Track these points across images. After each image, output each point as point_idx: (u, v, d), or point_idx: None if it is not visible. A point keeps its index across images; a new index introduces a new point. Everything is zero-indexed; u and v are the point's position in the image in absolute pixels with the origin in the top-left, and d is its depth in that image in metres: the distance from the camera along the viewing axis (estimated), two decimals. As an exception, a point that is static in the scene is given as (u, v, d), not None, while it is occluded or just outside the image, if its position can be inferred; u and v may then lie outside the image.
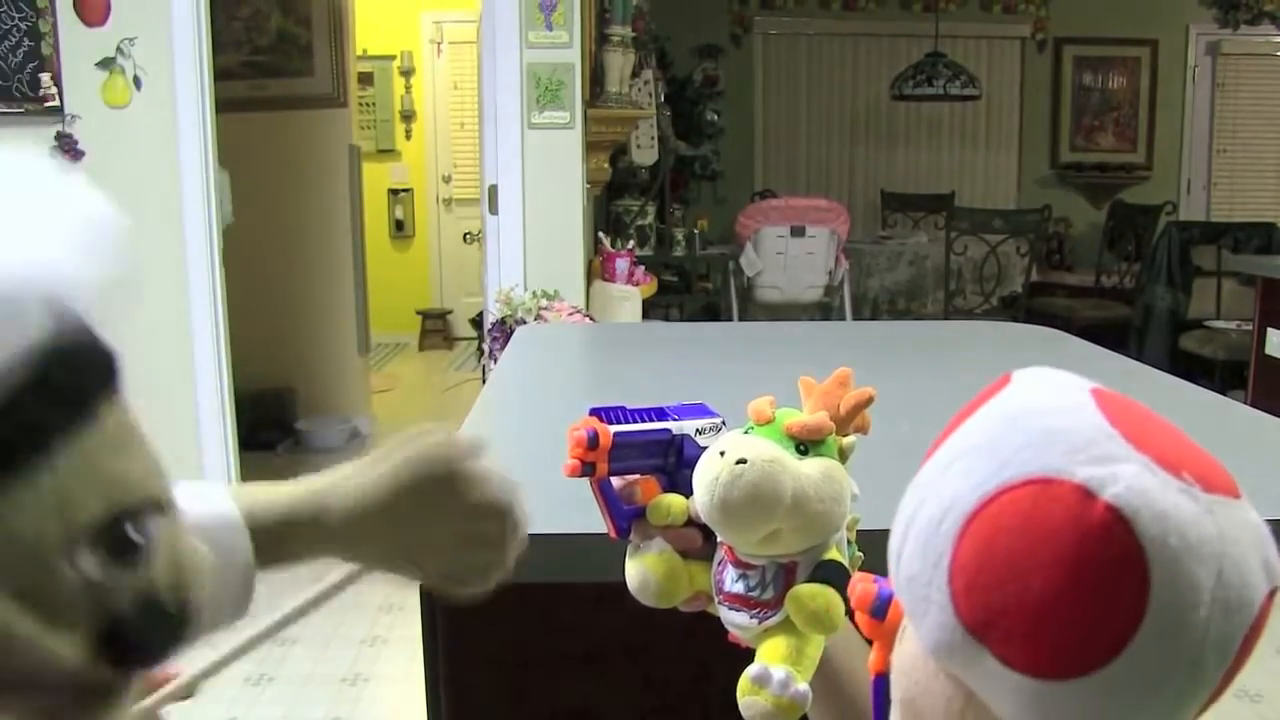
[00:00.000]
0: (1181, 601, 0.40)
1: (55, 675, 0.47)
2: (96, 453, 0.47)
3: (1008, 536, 0.42)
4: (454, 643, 1.05)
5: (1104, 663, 0.40)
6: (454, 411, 4.98)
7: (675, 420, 0.71)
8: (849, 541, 0.68)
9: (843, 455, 0.66)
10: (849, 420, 0.67)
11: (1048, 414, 0.45)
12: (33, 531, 0.44)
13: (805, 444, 0.64)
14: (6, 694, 0.46)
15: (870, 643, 0.56)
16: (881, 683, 0.53)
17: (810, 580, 0.64)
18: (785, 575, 0.65)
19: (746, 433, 0.65)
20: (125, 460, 0.48)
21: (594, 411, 0.69)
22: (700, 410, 0.73)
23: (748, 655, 0.66)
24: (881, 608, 0.53)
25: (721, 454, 0.63)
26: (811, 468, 0.63)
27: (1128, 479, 0.41)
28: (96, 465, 0.47)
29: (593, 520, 0.73)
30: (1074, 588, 0.40)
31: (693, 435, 0.71)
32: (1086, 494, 0.41)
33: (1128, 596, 0.40)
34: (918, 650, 0.47)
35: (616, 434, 0.68)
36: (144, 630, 0.49)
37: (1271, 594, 0.43)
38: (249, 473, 3.61)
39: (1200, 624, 0.40)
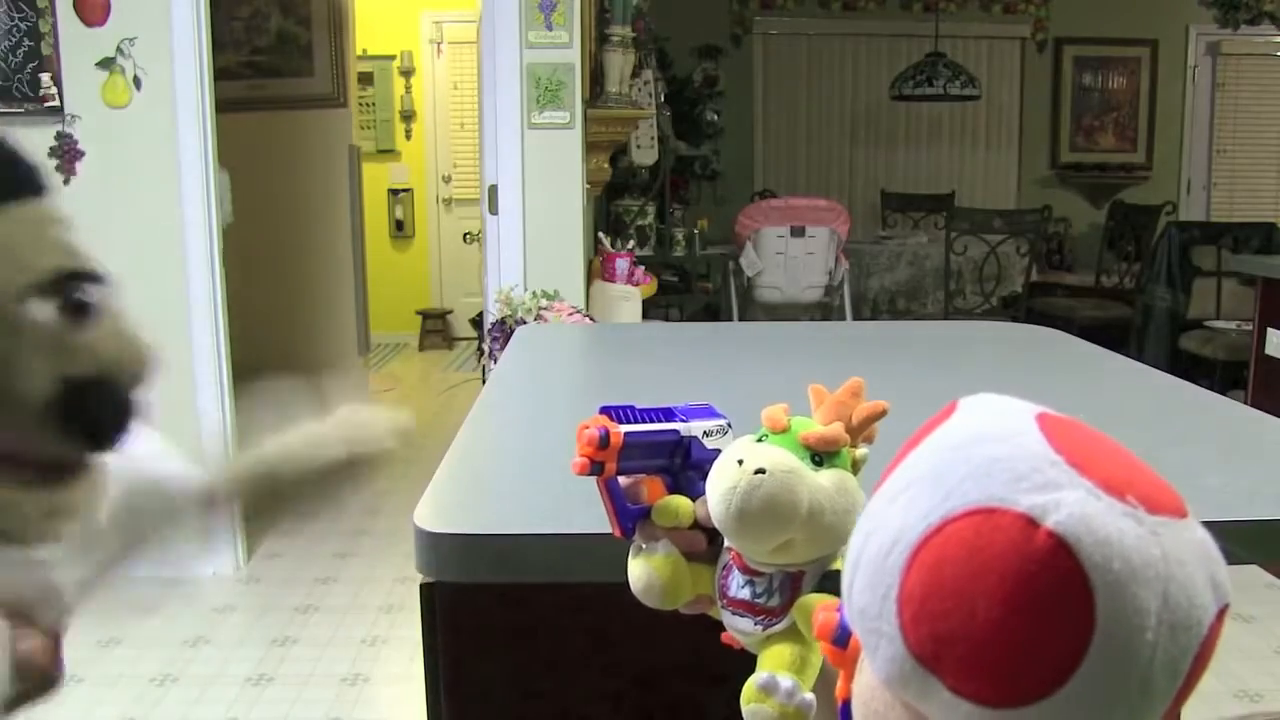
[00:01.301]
0: (1127, 626, 0.40)
1: (31, 427, 0.55)
2: (35, 224, 0.56)
3: (953, 567, 0.42)
4: (454, 643, 1.05)
5: (1052, 689, 0.41)
6: (454, 411, 4.98)
7: (683, 421, 0.71)
8: None
9: (855, 467, 0.66)
10: (860, 431, 0.67)
11: (991, 443, 0.45)
12: None
13: (820, 455, 0.64)
14: None
15: None
16: (847, 709, 0.53)
17: (817, 590, 0.64)
18: (792, 584, 0.65)
19: (760, 440, 0.65)
20: (69, 237, 0.57)
21: (604, 410, 0.69)
22: (707, 412, 0.73)
23: (748, 658, 0.66)
24: (843, 636, 0.54)
25: (739, 462, 0.62)
26: (826, 479, 0.63)
27: (1070, 506, 0.41)
28: (38, 232, 0.56)
29: (594, 520, 0.73)
30: (1019, 616, 0.41)
31: (700, 437, 0.71)
32: (1029, 522, 0.41)
33: (1073, 623, 0.40)
34: (874, 680, 0.48)
35: (627, 434, 0.68)
36: (98, 398, 0.57)
37: (1222, 612, 0.43)
38: (249, 473, 3.61)
39: (1148, 646, 0.41)
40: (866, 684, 0.49)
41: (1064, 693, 0.41)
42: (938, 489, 0.44)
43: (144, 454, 0.70)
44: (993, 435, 0.45)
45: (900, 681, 0.45)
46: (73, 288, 0.56)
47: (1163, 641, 0.41)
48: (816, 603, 0.62)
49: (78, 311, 0.56)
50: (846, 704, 0.53)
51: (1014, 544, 0.41)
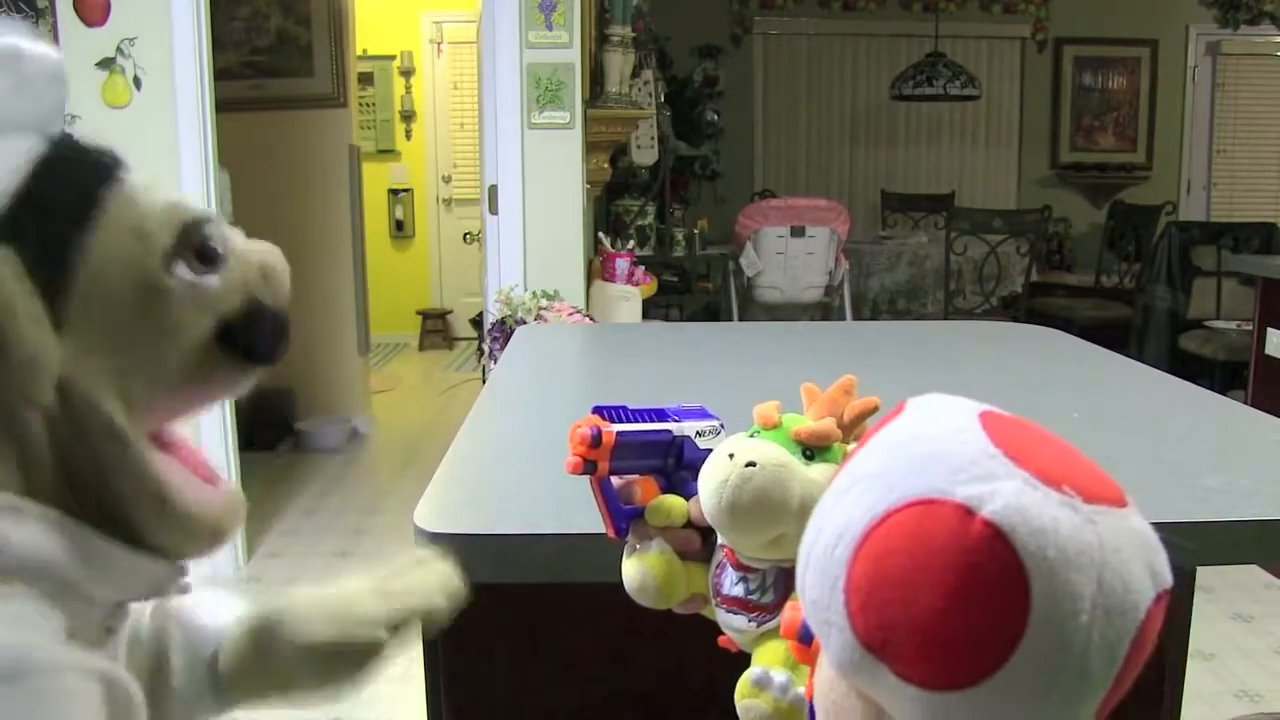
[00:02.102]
0: (1061, 610, 0.42)
1: (201, 373, 0.61)
2: (141, 197, 0.60)
3: (895, 557, 0.44)
4: (454, 643, 1.05)
5: (992, 671, 0.42)
6: (454, 411, 4.98)
7: (676, 422, 0.71)
8: None
9: None
10: (852, 428, 0.67)
11: (933, 439, 0.47)
12: (130, 255, 0.58)
13: (812, 450, 0.64)
14: (160, 377, 0.60)
15: None
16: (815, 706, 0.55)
17: None
18: (786, 579, 0.65)
19: (752, 436, 0.65)
20: (165, 195, 0.61)
21: (596, 410, 0.69)
22: (700, 413, 0.73)
23: (741, 659, 0.66)
24: (808, 634, 0.55)
25: (730, 456, 0.63)
26: (818, 473, 0.63)
27: (1006, 496, 0.43)
28: (147, 202, 0.60)
29: (591, 520, 0.73)
30: (958, 602, 0.42)
31: (693, 438, 0.71)
32: (966, 512, 0.43)
33: (1009, 607, 0.42)
34: (831, 672, 0.50)
35: (619, 433, 0.68)
36: (253, 319, 0.63)
37: (1159, 597, 0.45)
38: (249, 472, 3.61)
39: (1083, 630, 0.42)
40: (825, 676, 0.51)
41: (1002, 674, 0.42)
42: (882, 484, 0.46)
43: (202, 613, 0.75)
44: (935, 433, 0.47)
45: (852, 669, 0.47)
46: (196, 237, 0.61)
47: (1098, 625, 0.42)
48: None
49: (208, 256, 0.61)
50: (813, 701, 0.55)
51: (952, 533, 0.43)
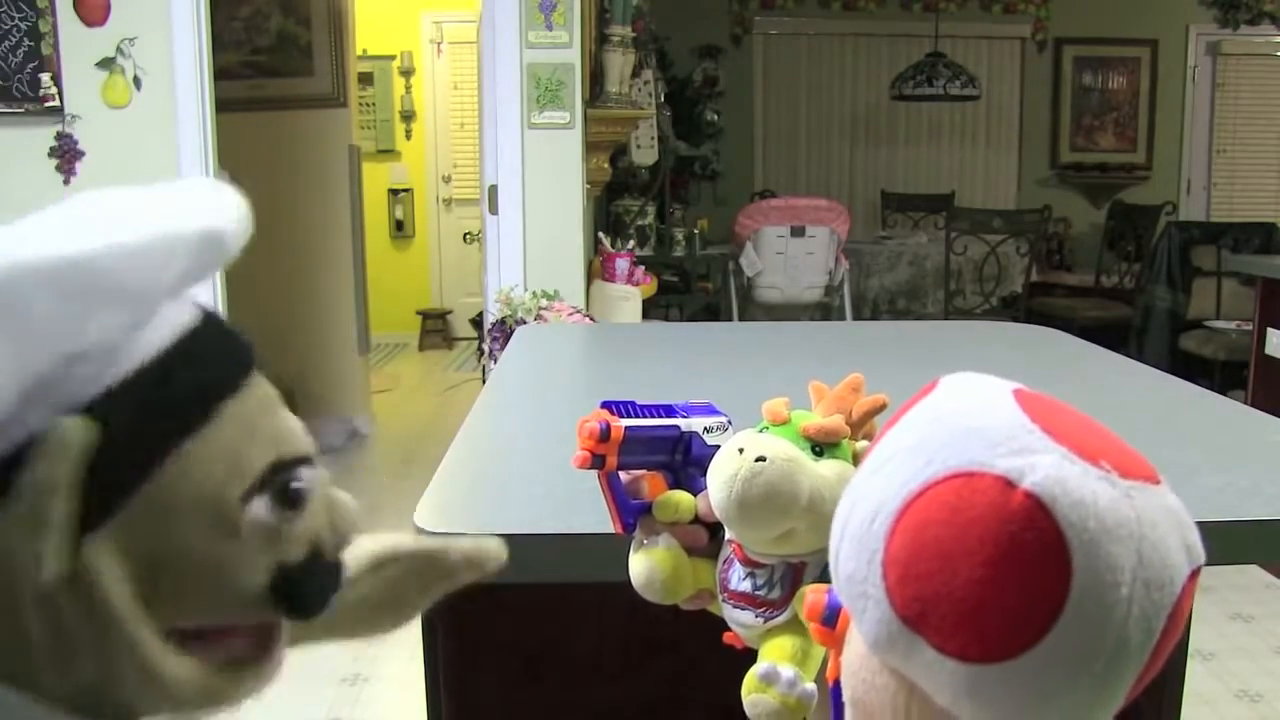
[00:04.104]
0: (1102, 581, 0.42)
1: (242, 613, 0.55)
2: (252, 414, 0.54)
3: (935, 529, 0.44)
4: (454, 643, 1.05)
5: (1032, 643, 0.42)
6: (454, 411, 4.98)
7: (684, 417, 0.71)
8: None
9: (855, 459, 0.66)
10: (860, 426, 0.67)
11: (969, 414, 0.47)
12: (213, 480, 0.52)
13: (821, 446, 0.64)
14: (200, 634, 0.54)
15: None
16: (838, 689, 0.54)
17: (819, 581, 0.64)
18: (793, 575, 0.65)
19: (761, 432, 0.65)
20: (276, 420, 0.56)
21: (604, 405, 0.69)
22: (707, 409, 0.73)
23: (747, 655, 0.66)
24: (832, 616, 0.55)
25: (740, 451, 0.63)
26: (827, 469, 0.64)
27: (1045, 468, 0.43)
28: (255, 424, 0.54)
29: (594, 519, 0.73)
30: (999, 573, 0.42)
31: (700, 433, 0.71)
32: (1007, 484, 0.43)
33: (1050, 579, 0.42)
34: (862, 649, 0.49)
35: (627, 428, 0.68)
36: (310, 576, 0.56)
37: (1193, 574, 0.45)
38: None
39: (1123, 602, 0.42)
40: (855, 653, 0.50)
41: (1042, 646, 0.42)
42: (919, 457, 0.46)
43: None
44: (971, 408, 0.47)
45: (887, 643, 0.46)
46: (286, 477, 0.55)
47: (1137, 597, 0.43)
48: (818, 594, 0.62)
49: (291, 501, 0.55)
50: (836, 685, 0.54)
51: (993, 505, 0.43)
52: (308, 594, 0.57)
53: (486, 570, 0.73)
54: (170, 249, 0.51)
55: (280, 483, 0.54)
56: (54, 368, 0.48)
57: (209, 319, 0.54)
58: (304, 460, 0.56)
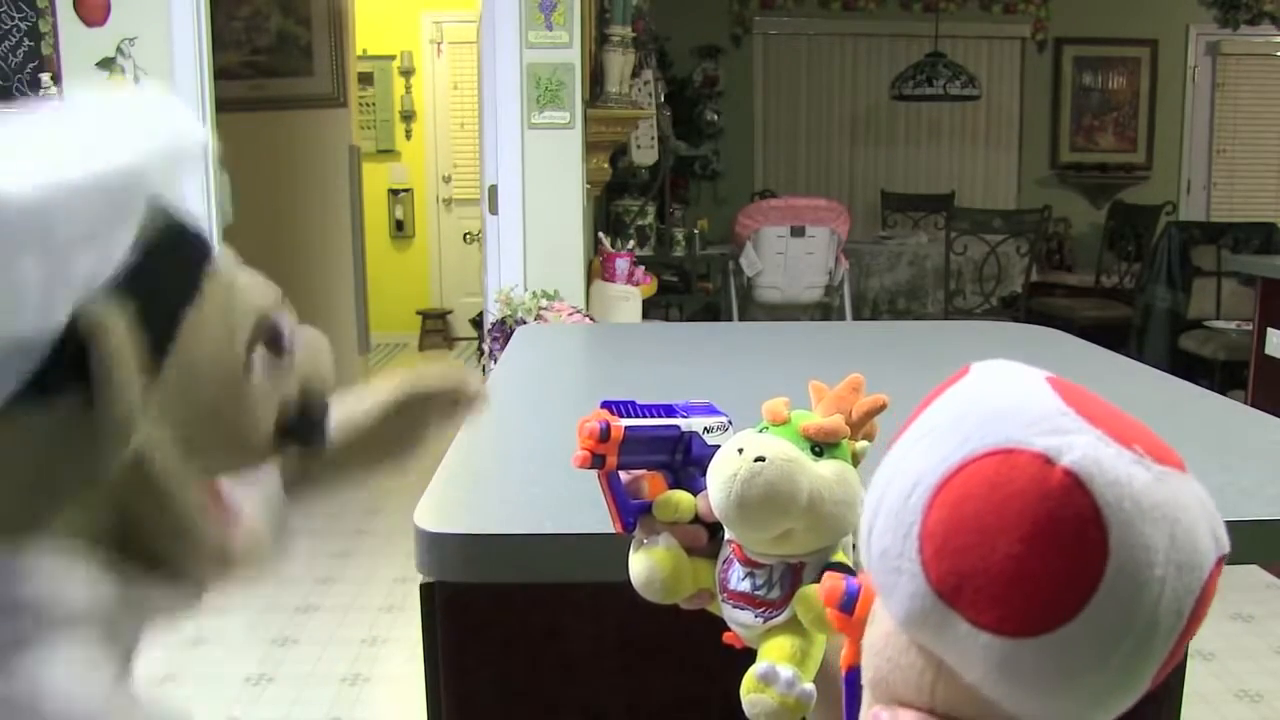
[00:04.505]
0: (1137, 560, 0.43)
1: (259, 458, 0.65)
2: (228, 281, 0.63)
3: (973, 503, 0.45)
4: (454, 643, 1.05)
5: (1067, 619, 0.43)
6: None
7: (684, 417, 0.71)
8: (854, 547, 0.68)
9: (855, 460, 0.66)
10: (860, 426, 0.67)
11: (1006, 396, 0.48)
12: (218, 340, 0.61)
13: (820, 446, 0.64)
14: (228, 459, 0.64)
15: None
16: (853, 678, 0.54)
17: (819, 581, 0.64)
18: (793, 575, 0.65)
19: (761, 432, 0.65)
20: (246, 282, 0.65)
21: (605, 404, 0.69)
22: (708, 409, 0.73)
23: (747, 655, 0.66)
24: (850, 602, 0.55)
25: (740, 451, 0.63)
26: (827, 469, 0.63)
27: (1083, 448, 0.44)
28: (232, 288, 0.63)
29: (593, 519, 0.73)
30: (1036, 548, 0.43)
31: (700, 433, 0.71)
32: (1046, 460, 0.44)
33: (1087, 555, 0.43)
34: (890, 627, 0.50)
35: (628, 428, 0.68)
36: (306, 410, 0.66)
37: (1219, 561, 0.46)
38: (249, 473, 3.61)
39: (1156, 582, 0.43)
40: (880, 632, 0.51)
41: (1077, 623, 0.43)
42: (956, 434, 0.47)
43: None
44: (1006, 390, 0.48)
45: (920, 618, 0.47)
46: (271, 330, 0.64)
47: (1170, 579, 0.43)
48: (818, 594, 0.62)
49: (280, 348, 0.64)
50: (851, 672, 0.54)
51: (1032, 480, 0.44)
52: (310, 425, 0.66)
53: (468, 393, 0.88)
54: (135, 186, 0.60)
55: (269, 332, 0.64)
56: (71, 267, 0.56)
57: (166, 208, 0.62)
58: (279, 309, 0.65)
